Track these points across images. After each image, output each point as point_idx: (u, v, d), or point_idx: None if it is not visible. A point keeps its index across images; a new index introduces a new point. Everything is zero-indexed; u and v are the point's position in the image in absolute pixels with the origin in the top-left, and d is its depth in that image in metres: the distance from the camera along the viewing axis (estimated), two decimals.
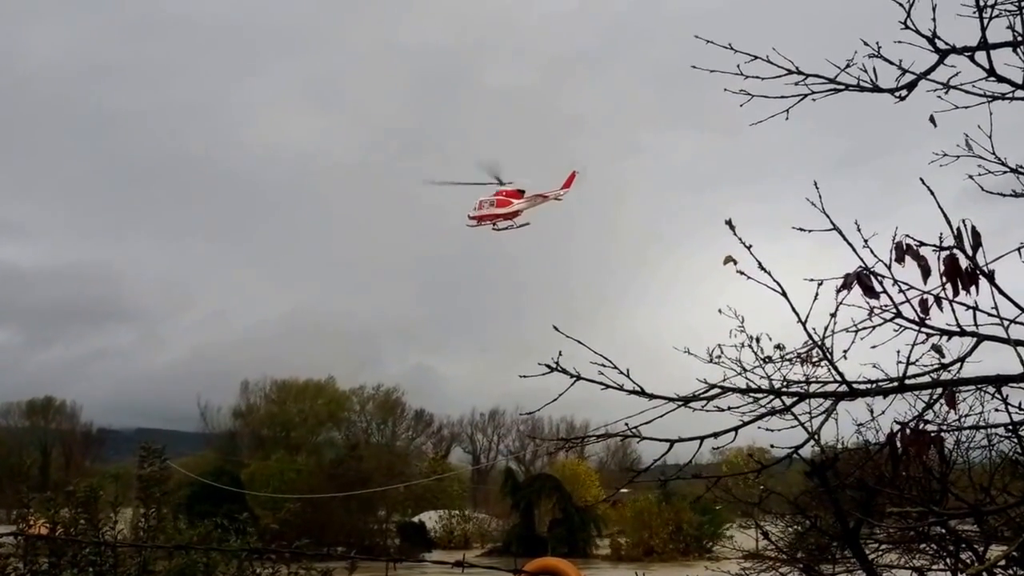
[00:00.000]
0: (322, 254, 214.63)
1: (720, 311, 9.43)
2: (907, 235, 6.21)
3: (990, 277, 6.21)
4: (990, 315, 6.43)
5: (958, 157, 7.58)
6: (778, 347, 8.65)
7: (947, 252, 6.13)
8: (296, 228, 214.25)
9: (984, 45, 6.97)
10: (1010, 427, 7.95)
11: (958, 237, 6.10)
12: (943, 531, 10.16)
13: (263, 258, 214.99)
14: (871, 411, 9.84)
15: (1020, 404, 7.29)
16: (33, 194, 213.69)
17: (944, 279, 6.15)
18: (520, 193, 77.30)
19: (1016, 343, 6.38)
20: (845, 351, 6.92)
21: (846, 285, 6.34)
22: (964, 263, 6.12)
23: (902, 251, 6.20)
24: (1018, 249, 6.58)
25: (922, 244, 6.19)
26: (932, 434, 6.50)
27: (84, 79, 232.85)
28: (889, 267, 6.24)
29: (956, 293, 6.19)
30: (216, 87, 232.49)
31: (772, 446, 7.14)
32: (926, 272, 6.18)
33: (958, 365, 6.79)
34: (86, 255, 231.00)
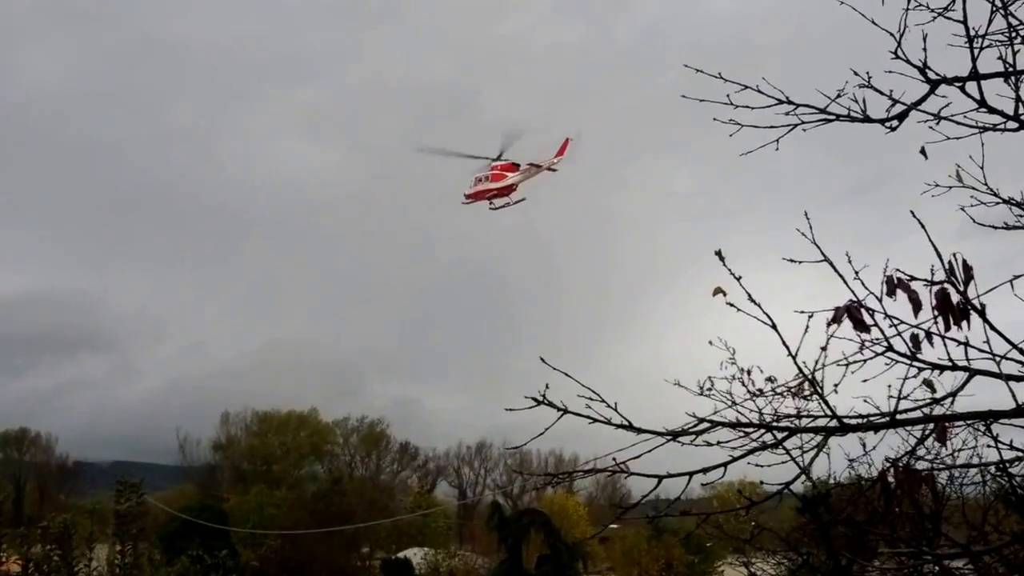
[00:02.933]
0: (305, 284, 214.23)
1: (711, 342, 9.32)
2: (897, 269, 6.12)
3: (981, 312, 6.12)
4: (981, 351, 6.34)
5: (950, 188, 7.52)
6: (769, 379, 8.53)
7: (938, 286, 6.05)
8: (279, 258, 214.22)
9: (975, 75, 6.92)
10: (1001, 465, 7.83)
11: (950, 271, 6.01)
12: (937, 569, 10.01)
13: (245, 288, 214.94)
14: (863, 445, 9.69)
15: (1012, 442, 7.19)
16: (11, 221, 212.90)
17: (936, 314, 6.06)
18: (515, 167, 75.21)
19: (1008, 378, 6.28)
20: (836, 385, 6.82)
21: (836, 319, 6.23)
22: (956, 297, 6.03)
23: (893, 285, 6.11)
24: (1010, 282, 6.49)
25: (913, 278, 6.10)
26: (924, 472, 6.39)
27: (74, 107, 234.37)
28: (880, 300, 6.15)
29: (948, 328, 6.09)
30: (202, 116, 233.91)
31: (762, 482, 7.00)
32: (917, 306, 6.09)
33: (950, 400, 6.69)
34: (64, 283, 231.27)
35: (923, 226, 6.05)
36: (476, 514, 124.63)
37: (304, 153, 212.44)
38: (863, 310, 6.18)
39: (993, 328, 6.21)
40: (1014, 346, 6.26)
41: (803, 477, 7.00)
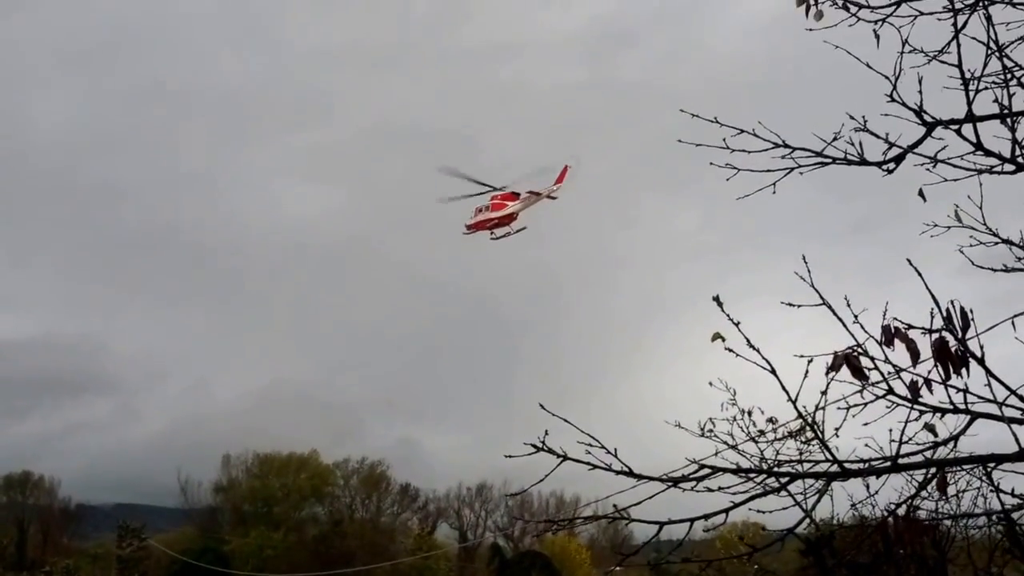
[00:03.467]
0: (307, 325, 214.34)
1: (711, 384, 9.27)
2: (895, 318, 6.10)
3: (980, 360, 6.09)
4: (982, 397, 6.31)
5: (948, 228, 7.51)
6: (770, 420, 8.50)
7: (936, 335, 6.02)
8: (281, 299, 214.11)
9: (971, 118, 6.93)
10: (1003, 514, 7.78)
11: (947, 318, 5.99)
12: None
13: (247, 329, 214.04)
14: (867, 487, 9.65)
15: (1013, 490, 7.14)
16: (21, 264, 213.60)
17: (935, 362, 6.04)
18: (516, 196, 74.47)
19: (1010, 421, 6.25)
20: (837, 429, 6.77)
21: (835, 367, 6.20)
22: (954, 345, 6.00)
23: (891, 335, 6.09)
24: (1011, 320, 6.47)
25: (910, 327, 6.08)
26: (925, 522, 6.33)
27: (83, 150, 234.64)
28: (881, 345, 6.12)
29: (947, 377, 6.06)
30: (209, 159, 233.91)
31: (764, 528, 6.93)
32: (915, 356, 6.07)
33: (952, 443, 6.65)
34: (68, 325, 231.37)
35: (920, 274, 6.03)
36: (477, 556, 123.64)
37: (308, 195, 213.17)
38: (862, 357, 6.15)
39: (992, 376, 6.18)
40: (1012, 392, 6.22)
41: (807, 520, 6.94)
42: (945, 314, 5.96)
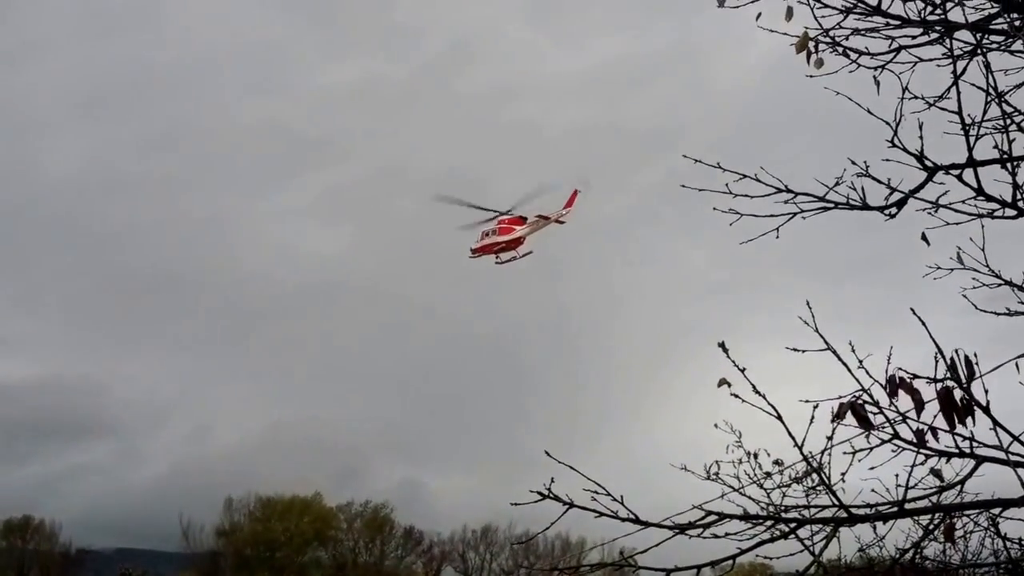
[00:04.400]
0: (310, 366, 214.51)
1: (716, 426, 9.26)
2: (900, 368, 6.12)
3: (986, 409, 6.10)
4: (987, 445, 6.31)
5: (951, 270, 7.54)
6: (776, 463, 8.48)
7: (941, 384, 6.03)
8: (285, 341, 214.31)
9: (971, 163, 6.98)
10: (1009, 564, 7.75)
11: (951, 367, 6.00)
12: None
13: (250, 371, 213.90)
14: (874, 529, 9.61)
15: (1021, 540, 7.12)
16: (21, 307, 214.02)
17: (941, 412, 6.04)
18: (523, 220, 73.37)
19: (1015, 465, 6.24)
20: (843, 474, 6.77)
21: (840, 415, 6.21)
22: (959, 394, 6.01)
23: (895, 385, 6.10)
24: (1015, 361, 6.48)
25: (915, 376, 6.09)
26: (931, 572, 6.31)
27: (92, 195, 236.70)
28: (886, 391, 6.13)
29: (952, 426, 6.06)
30: (215, 203, 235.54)
31: (771, 572, 6.90)
32: (919, 406, 6.08)
33: (958, 487, 6.63)
34: (71, 369, 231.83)
35: (924, 324, 6.05)
36: None
37: (315, 237, 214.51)
38: (867, 405, 6.16)
39: (998, 424, 6.18)
40: (1016, 439, 6.21)
41: (815, 565, 6.91)
42: (949, 362, 5.96)
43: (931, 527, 6.96)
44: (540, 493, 6.51)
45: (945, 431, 6.11)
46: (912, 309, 6.09)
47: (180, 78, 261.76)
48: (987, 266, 7.80)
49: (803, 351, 6.67)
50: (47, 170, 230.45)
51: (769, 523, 6.73)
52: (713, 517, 6.59)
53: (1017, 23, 7.39)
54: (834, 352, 6.35)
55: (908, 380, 6.04)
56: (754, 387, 6.44)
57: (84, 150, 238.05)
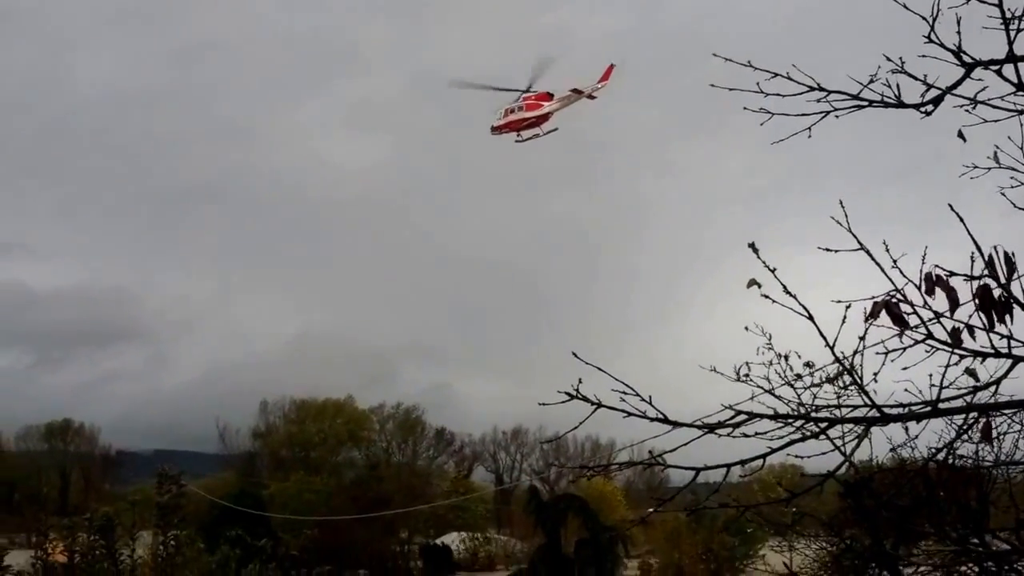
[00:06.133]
0: (342, 274, 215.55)
1: (746, 328, 9.25)
2: (936, 265, 6.02)
3: None
4: (1022, 342, 6.24)
5: (988, 170, 7.38)
6: (807, 364, 8.46)
7: (979, 281, 5.94)
8: (318, 249, 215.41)
9: (1012, 58, 6.79)
10: None
11: (990, 263, 5.91)
12: (984, 552, 9.90)
13: (283, 278, 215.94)
14: (906, 431, 9.61)
15: None
16: (58, 217, 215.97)
17: (977, 311, 5.96)
18: (550, 96, 68.48)
19: None
20: (875, 374, 6.72)
21: (874, 314, 6.14)
22: (997, 291, 5.92)
23: (931, 282, 6.01)
24: None
25: (952, 274, 6.00)
26: (968, 469, 6.30)
27: (127, 105, 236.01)
28: (920, 290, 6.05)
29: (991, 326, 5.98)
30: (250, 111, 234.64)
31: (803, 474, 6.93)
32: (954, 305, 6.00)
33: (993, 387, 6.59)
34: (107, 276, 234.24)
35: (962, 219, 5.94)
36: (513, 499, 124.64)
37: (348, 148, 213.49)
38: (901, 304, 6.09)
39: None
40: None
41: (846, 464, 6.93)
42: (988, 259, 5.88)
43: (964, 427, 6.94)
44: (568, 394, 6.53)
45: (981, 329, 6.04)
46: (950, 205, 5.99)
47: None
48: None
49: (836, 251, 6.59)
50: (80, 83, 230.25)
51: (799, 423, 6.72)
52: (743, 417, 6.59)
53: None
54: (867, 252, 6.28)
55: (944, 277, 5.96)
56: (785, 287, 6.39)
57: (116, 62, 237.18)
